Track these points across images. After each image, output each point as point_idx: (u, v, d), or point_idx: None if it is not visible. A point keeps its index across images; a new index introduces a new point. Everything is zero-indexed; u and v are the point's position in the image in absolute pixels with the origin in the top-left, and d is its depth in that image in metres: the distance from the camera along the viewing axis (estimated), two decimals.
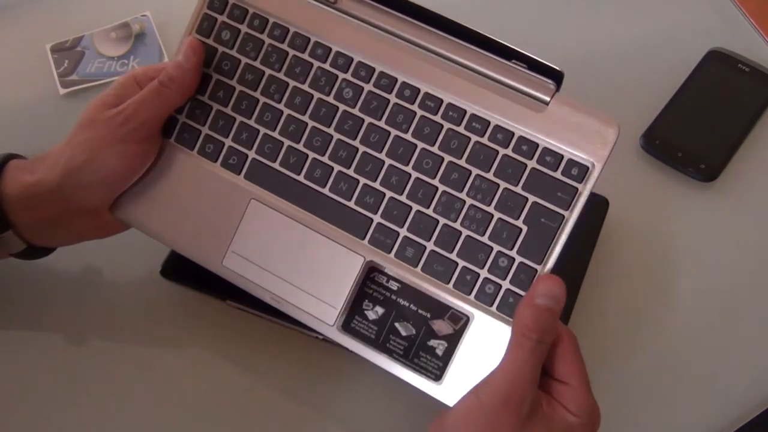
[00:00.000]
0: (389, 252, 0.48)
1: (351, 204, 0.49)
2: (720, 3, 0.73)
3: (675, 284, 0.60)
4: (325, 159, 0.50)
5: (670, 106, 0.67)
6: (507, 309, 0.46)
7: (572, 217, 0.46)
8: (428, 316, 0.47)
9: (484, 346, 0.47)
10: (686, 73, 0.68)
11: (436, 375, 0.47)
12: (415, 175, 0.48)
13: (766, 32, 0.71)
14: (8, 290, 0.58)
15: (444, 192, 0.48)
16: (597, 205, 0.60)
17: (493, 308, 0.47)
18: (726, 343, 0.58)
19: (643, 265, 0.61)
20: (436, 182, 0.48)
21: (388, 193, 0.48)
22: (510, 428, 0.42)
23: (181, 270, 0.56)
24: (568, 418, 0.44)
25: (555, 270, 0.52)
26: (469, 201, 0.47)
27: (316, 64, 0.50)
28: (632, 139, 0.65)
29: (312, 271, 0.49)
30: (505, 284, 0.47)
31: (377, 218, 0.49)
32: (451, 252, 0.47)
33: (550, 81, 0.47)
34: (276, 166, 0.50)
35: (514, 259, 0.47)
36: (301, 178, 0.50)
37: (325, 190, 0.49)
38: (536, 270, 0.46)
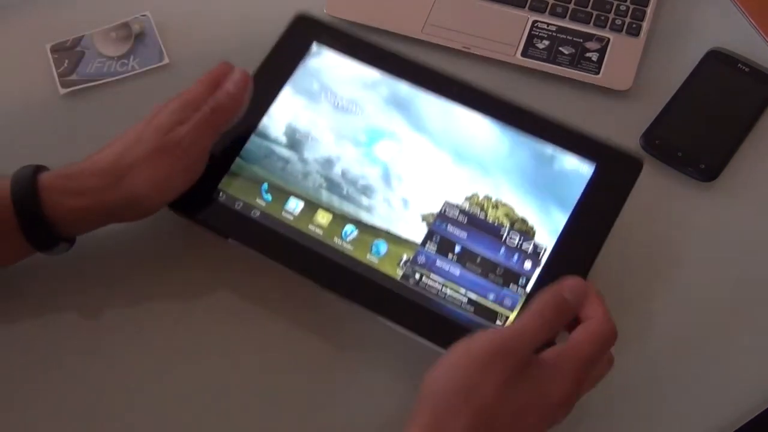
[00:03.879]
0: (544, 12, 0.70)
1: None
2: (720, 3, 0.73)
3: (675, 284, 0.60)
4: None
5: (669, 106, 0.67)
6: (630, 29, 0.69)
7: None
8: (581, 40, 0.69)
9: (619, 56, 0.68)
10: (686, 73, 0.68)
11: (596, 70, 0.67)
12: None
13: (766, 32, 0.71)
14: None
15: None
16: (626, 167, 0.55)
17: (623, 33, 0.69)
18: (726, 343, 0.58)
19: (643, 265, 0.61)
20: None
21: None
22: (494, 377, 0.43)
23: (189, 204, 0.56)
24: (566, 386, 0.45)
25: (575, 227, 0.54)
26: None
27: None
28: (632, 139, 0.65)
29: (493, 26, 0.68)
30: (627, 19, 0.69)
31: None
32: (587, 7, 0.70)
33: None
34: None
35: (629, 8, 0.70)
36: None
37: None
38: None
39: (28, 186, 0.51)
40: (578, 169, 0.55)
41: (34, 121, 0.66)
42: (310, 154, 0.57)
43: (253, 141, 0.57)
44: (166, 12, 0.71)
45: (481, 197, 0.55)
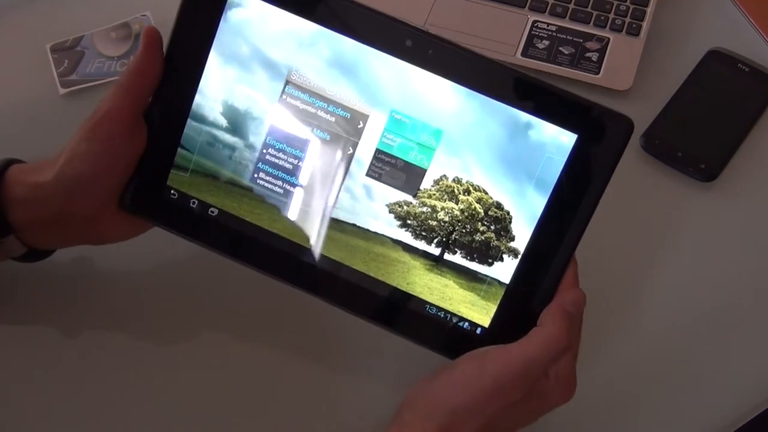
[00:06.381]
0: (544, 12, 0.71)
1: None
2: (720, 3, 0.73)
3: (674, 284, 0.60)
4: None
5: (670, 106, 0.67)
6: (630, 29, 0.70)
7: None
8: (581, 40, 0.70)
9: (619, 56, 0.69)
10: (686, 73, 0.68)
11: (596, 70, 0.68)
12: None
13: (766, 32, 0.71)
14: None
15: None
16: (614, 131, 0.48)
17: (623, 33, 0.70)
18: (726, 343, 0.58)
19: (642, 264, 0.61)
20: None
21: None
22: (509, 399, 0.44)
23: (142, 204, 0.52)
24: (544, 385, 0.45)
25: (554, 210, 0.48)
26: None
27: None
28: (632, 139, 0.65)
29: (493, 25, 0.69)
30: (627, 19, 0.70)
31: None
32: (587, 7, 0.71)
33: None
34: None
35: (629, 8, 0.71)
36: None
37: None
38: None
39: None
40: (557, 138, 0.47)
41: (34, 121, 0.66)
42: (255, 138, 0.50)
43: (191, 126, 0.51)
44: (166, 12, 0.70)
45: (450, 180, 0.49)
